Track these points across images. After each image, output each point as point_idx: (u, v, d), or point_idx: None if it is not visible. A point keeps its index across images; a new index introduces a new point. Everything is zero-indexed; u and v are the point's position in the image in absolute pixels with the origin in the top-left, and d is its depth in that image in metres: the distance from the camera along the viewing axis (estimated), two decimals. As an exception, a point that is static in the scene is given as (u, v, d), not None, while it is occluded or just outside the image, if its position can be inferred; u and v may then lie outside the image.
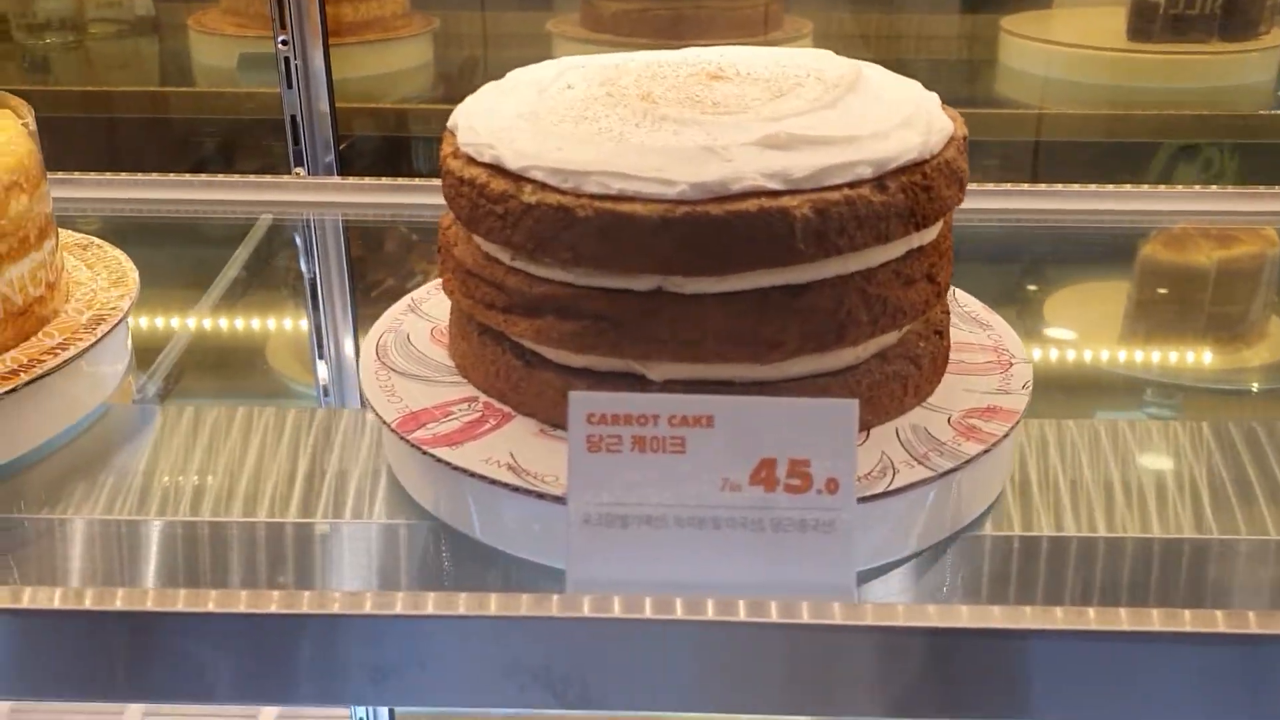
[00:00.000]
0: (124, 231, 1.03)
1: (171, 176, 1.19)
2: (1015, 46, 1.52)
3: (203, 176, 1.20)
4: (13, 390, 0.73)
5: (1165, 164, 1.42)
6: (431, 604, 0.58)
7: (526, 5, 1.61)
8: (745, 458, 0.58)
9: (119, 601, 0.59)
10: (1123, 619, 0.57)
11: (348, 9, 1.48)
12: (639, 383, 0.67)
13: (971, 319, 0.82)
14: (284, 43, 1.22)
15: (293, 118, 1.24)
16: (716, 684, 0.59)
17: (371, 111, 1.46)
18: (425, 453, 0.67)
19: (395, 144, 1.48)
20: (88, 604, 0.59)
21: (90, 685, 0.61)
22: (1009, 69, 1.53)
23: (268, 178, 1.21)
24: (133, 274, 0.87)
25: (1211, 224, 1.15)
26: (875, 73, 0.76)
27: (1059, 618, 0.57)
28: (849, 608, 0.58)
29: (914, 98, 0.72)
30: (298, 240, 1.18)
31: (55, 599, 0.59)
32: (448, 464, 0.66)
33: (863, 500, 0.61)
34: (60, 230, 0.85)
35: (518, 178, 0.66)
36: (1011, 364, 0.76)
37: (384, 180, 1.20)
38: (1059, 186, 1.17)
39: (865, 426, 0.68)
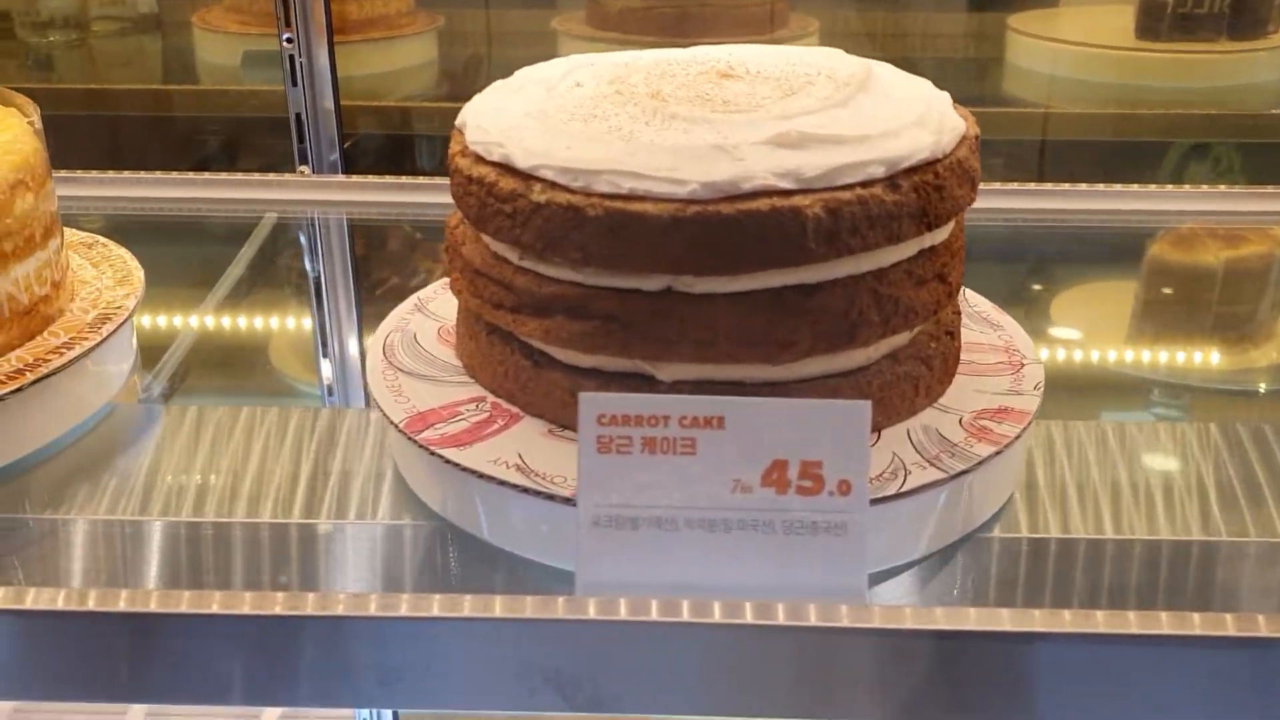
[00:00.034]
0: (128, 230, 1.02)
1: (176, 175, 1.19)
2: (1022, 45, 1.51)
3: (207, 175, 1.20)
4: (18, 390, 0.73)
5: (1173, 163, 1.42)
6: (439, 606, 0.58)
7: (531, 3, 1.61)
8: (757, 459, 0.57)
9: (123, 602, 0.59)
10: (1131, 622, 0.57)
11: (352, 6, 1.47)
12: (649, 383, 0.67)
13: (982, 319, 0.81)
14: (288, 40, 1.22)
15: (297, 116, 1.24)
16: (727, 687, 0.59)
17: (376, 109, 1.45)
18: (433, 453, 0.66)
19: (400, 142, 1.48)
20: (91, 604, 0.59)
21: (93, 686, 0.61)
22: (1016, 67, 1.52)
23: (272, 176, 1.21)
24: (138, 273, 0.87)
25: (1219, 224, 1.14)
26: (886, 71, 0.75)
27: (1067, 620, 0.57)
28: (856, 610, 0.57)
29: (925, 96, 0.72)
30: (302, 239, 1.18)
31: (59, 599, 0.59)
32: (456, 465, 0.65)
33: (874, 502, 0.61)
34: (65, 229, 0.85)
35: (527, 176, 0.65)
36: (1023, 365, 0.75)
37: (388, 178, 1.20)
38: (1065, 186, 1.16)
39: (876, 427, 0.68)
